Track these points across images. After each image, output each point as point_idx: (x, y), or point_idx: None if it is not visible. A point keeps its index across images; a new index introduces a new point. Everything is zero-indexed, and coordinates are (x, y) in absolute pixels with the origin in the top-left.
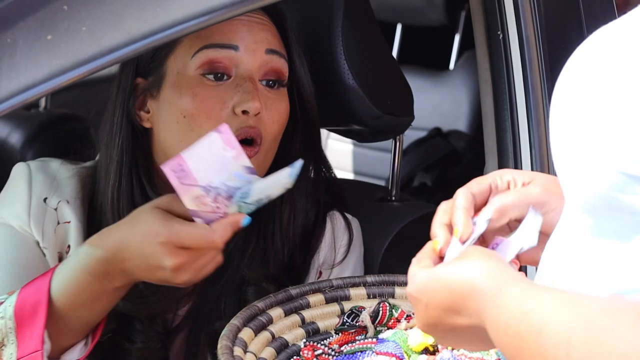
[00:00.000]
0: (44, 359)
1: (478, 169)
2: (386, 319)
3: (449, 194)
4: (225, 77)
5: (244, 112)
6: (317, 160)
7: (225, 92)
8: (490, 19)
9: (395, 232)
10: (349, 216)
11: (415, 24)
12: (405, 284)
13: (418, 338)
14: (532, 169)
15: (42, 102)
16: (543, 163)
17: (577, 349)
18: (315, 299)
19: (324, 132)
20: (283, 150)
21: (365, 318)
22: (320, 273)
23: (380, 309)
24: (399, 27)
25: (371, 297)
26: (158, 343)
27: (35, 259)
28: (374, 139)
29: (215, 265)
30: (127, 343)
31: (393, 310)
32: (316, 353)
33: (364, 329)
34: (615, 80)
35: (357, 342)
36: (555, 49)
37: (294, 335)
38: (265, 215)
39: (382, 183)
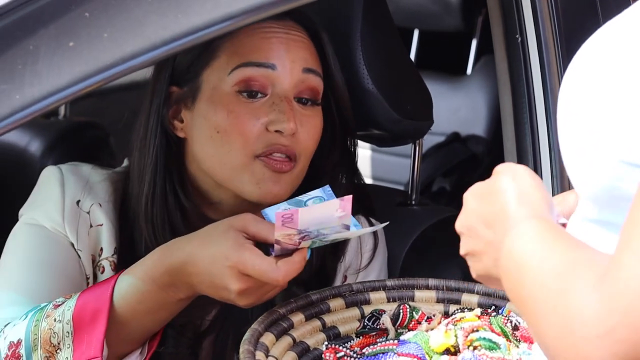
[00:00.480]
0: None
1: None
2: (407, 321)
3: None
4: (259, 95)
5: (277, 131)
6: (353, 169)
7: (259, 109)
8: (509, 22)
9: (416, 235)
10: (373, 221)
11: (432, 30)
12: (424, 287)
13: (439, 339)
14: (551, 172)
15: (62, 111)
16: (562, 165)
17: (542, 303)
18: (335, 303)
19: None
20: (319, 161)
21: (385, 320)
22: (346, 277)
23: (401, 311)
24: (416, 33)
25: (391, 300)
26: (188, 348)
27: (72, 259)
28: (393, 143)
29: (279, 291)
30: (158, 348)
31: (413, 313)
32: (338, 355)
33: (384, 331)
34: (617, 72)
35: (379, 344)
36: (574, 52)
37: (315, 339)
38: None
39: (400, 188)
